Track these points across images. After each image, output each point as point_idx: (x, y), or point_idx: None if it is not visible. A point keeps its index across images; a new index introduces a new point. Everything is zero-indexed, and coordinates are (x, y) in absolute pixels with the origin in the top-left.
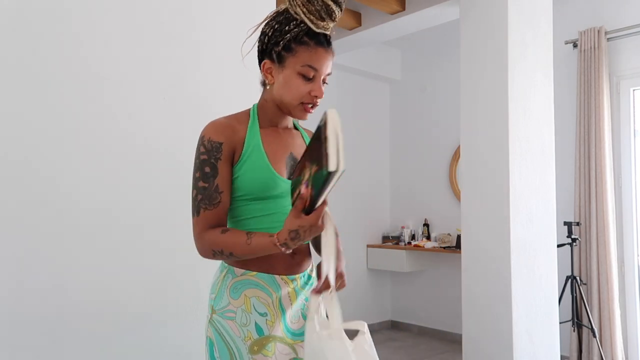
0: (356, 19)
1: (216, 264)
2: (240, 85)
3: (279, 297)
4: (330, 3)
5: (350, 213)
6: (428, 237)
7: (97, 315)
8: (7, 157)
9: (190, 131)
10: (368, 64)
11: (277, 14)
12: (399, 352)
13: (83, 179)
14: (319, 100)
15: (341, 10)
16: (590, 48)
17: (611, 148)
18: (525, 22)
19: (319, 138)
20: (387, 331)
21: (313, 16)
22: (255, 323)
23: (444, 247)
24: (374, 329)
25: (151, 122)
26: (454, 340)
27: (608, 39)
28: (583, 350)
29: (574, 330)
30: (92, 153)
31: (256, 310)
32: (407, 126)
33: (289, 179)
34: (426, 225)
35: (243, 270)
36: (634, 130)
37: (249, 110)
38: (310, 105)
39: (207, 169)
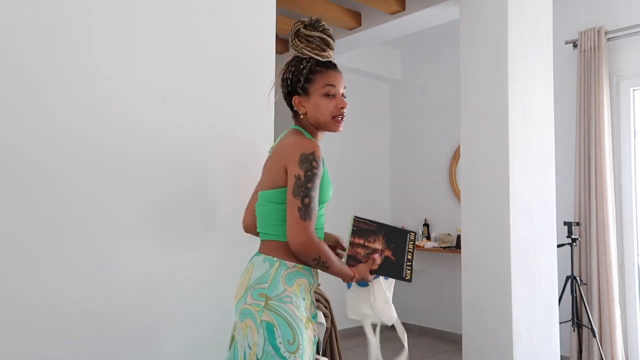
0: (356, 19)
1: (218, 264)
2: (240, 86)
3: (312, 285)
4: (325, 36)
5: (350, 213)
6: (428, 237)
7: (95, 316)
8: (6, 157)
9: (190, 131)
10: (368, 64)
11: (289, 62)
12: (399, 352)
13: (81, 179)
14: (344, 111)
15: (333, 40)
16: (590, 48)
17: (611, 148)
18: (525, 22)
19: (403, 239)
20: (387, 331)
21: (316, 50)
22: (303, 306)
23: (444, 247)
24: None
25: (151, 123)
26: (454, 340)
27: (608, 39)
28: (583, 350)
29: (574, 330)
30: (90, 153)
31: (301, 296)
32: (407, 126)
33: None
34: (426, 225)
35: (294, 263)
36: (634, 130)
37: (299, 131)
38: (340, 117)
39: (317, 182)
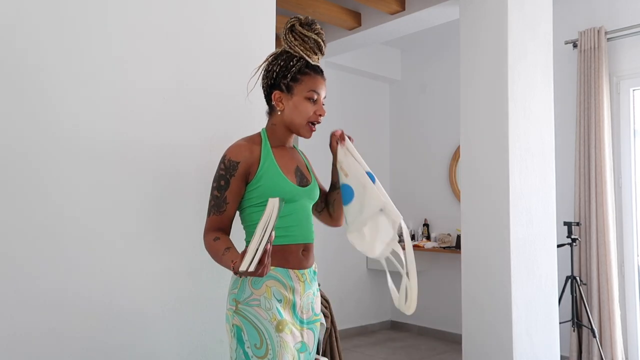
0: (356, 19)
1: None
2: (240, 86)
3: (292, 288)
4: (319, 40)
5: None
6: (428, 237)
7: (95, 316)
8: (6, 154)
9: (190, 131)
10: (368, 64)
11: (277, 55)
12: (399, 352)
13: (79, 177)
14: (321, 118)
15: (325, 45)
16: (590, 48)
17: (611, 148)
18: (525, 22)
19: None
20: (387, 331)
21: (309, 52)
22: (276, 307)
23: (444, 247)
24: (374, 329)
25: (151, 122)
26: (454, 340)
27: (608, 39)
28: (583, 351)
29: (574, 330)
30: (90, 153)
31: (275, 297)
32: (407, 126)
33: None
34: (426, 225)
35: None
36: (634, 130)
37: (260, 133)
38: (314, 125)
39: (222, 182)
